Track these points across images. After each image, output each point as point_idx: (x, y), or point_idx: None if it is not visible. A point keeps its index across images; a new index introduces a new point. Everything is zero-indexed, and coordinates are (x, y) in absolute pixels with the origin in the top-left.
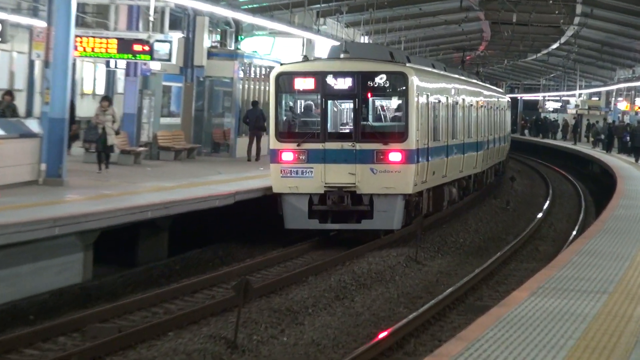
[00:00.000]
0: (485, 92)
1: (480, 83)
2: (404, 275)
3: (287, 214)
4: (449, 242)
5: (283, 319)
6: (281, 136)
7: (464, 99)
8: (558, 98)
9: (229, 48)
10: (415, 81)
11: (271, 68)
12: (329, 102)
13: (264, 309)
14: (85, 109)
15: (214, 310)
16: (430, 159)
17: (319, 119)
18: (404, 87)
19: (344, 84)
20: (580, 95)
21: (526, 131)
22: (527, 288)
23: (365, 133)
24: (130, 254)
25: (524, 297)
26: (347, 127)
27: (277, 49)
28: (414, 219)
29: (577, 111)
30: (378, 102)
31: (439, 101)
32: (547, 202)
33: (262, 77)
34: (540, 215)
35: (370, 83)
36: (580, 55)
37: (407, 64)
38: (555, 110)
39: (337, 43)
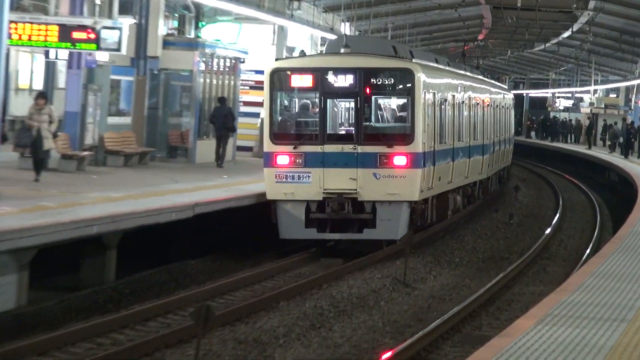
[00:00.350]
0: (492, 89)
1: (486, 79)
2: (390, 300)
3: (282, 223)
4: (442, 261)
5: (249, 352)
6: (276, 138)
7: (469, 97)
8: (570, 95)
9: (187, 36)
10: (422, 78)
11: (237, 59)
12: (329, 100)
13: (228, 340)
14: (21, 107)
15: (169, 341)
16: (436, 163)
17: (317, 119)
18: (410, 85)
19: (345, 81)
20: (595, 91)
21: (532, 133)
22: (534, 315)
23: (368, 135)
24: (72, 275)
25: (529, 326)
26: (347, 128)
27: (243, 37)
28: (420, 227)
29: (591, 110)
30: (382, 101)
31: (446, 100)
32: (557, 215)
33: (227, 69)
34: (548, 230)
35: (373, 80)
36: (596, 45)
37: (414, 60)
38: (566, 109)
39: (334, 37)
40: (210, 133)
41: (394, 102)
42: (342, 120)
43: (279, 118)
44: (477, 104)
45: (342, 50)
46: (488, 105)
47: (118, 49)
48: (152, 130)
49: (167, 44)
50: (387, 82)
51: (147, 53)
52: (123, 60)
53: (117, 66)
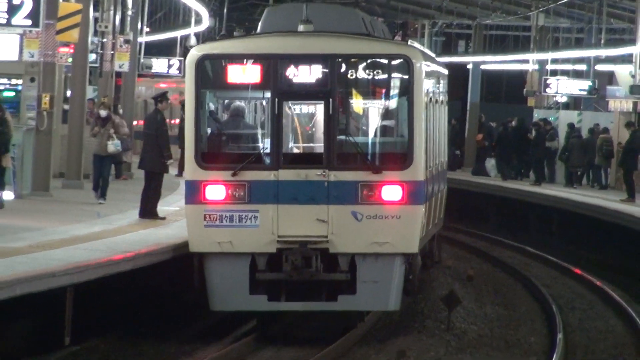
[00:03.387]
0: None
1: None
2: None
3: (215, 288)
4: None
5: None
6: (205, 160)
7: (433, 94)
8: (580, 65)
9: None
10: (423, 69)
11: None
12: (285, 104)
13: None
14: None
15: None
16: (431, 194)
17: (269, 132)
18: (407, 80)
19: (310, 74)
20: None
21: (491, 162)
22: None
23: (344, 155)
24: None
25: None
26: (313, 144)
27: None
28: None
29: (636, 104)
30: (365, 105)
31: (435, 101)
32: None
33: None
34: None
35: (352, 73)
36: None
37: (410, 43)
38: (570, 104)
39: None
40: None
41: (383, 106)
42: (306, 134)
43: (209, 130)
44: (435, 102)
45: (302, 28)
46: (435, 102)
47: None
48: None
49: None
50: (372, 76)
51: None
52: None
53: None
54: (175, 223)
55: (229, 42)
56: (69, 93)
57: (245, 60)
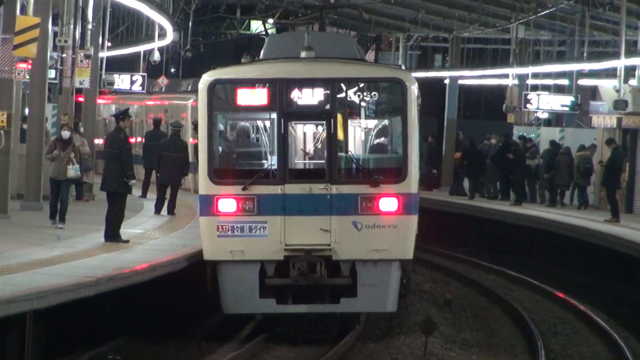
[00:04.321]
0: None
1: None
2: None
3: (227, 292)
4: None
5: None
6: (217, 175)
7: None
8: (562, 79)
9: None
10: (414, 92)
11: None
12: (291, 124)
13: None
14: None
15: None
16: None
17: (275, 150)
18: (401, 101)
19: (313, 97)
20: (633, 70)
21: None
22: None
23: (345, 170)
24: None
25: None
26: (317, 161)
27: None
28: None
29: (620, 120)
30: (362, 124)
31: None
32: None
33: None
34: None
35: (351, 95)
36: None
37: (402, 68)
38: (552, 121)
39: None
40: None
41: (379, 124)
42: (310, 151)
43: (221, 149)
44: None
45: (304, 54)
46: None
47: None
48: None
49: None
50: (369, 98)
51: None
52: None
53: None
54: (139, 247)
55: (238, 67)
56: (27, 111)
57: (253, 84)
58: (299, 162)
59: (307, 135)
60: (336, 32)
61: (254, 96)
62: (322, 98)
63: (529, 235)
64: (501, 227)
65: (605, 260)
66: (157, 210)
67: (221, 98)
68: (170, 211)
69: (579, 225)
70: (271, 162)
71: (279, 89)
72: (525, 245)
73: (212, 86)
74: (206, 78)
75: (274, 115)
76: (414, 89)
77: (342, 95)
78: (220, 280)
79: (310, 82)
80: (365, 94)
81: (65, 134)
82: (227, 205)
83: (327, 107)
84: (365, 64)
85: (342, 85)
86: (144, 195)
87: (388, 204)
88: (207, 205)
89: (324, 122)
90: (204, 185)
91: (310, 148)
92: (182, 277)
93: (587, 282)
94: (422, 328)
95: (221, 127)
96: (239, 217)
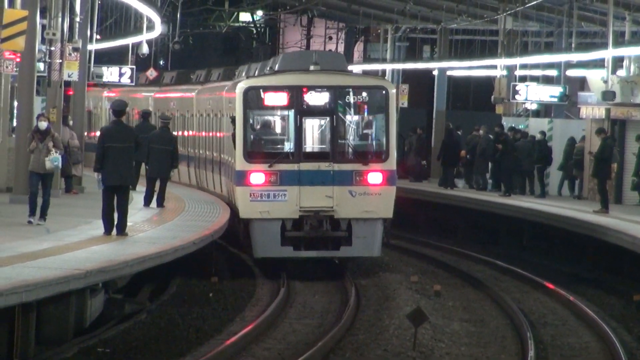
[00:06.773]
0: None
1: None
2: None
3: (257, 241)
4: None
5: None
6: (250, 156)
7: None
8: (551, 70)
9: None
10: (394, 95)
11: None
12: (304, 118)
13: None
14: None
15: None
16: None
17: (293, 138)
18: (384, 102)
19: (320, 99)
20: (620, 62)
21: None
22: None
23: (343, 152)
24: None
25: None
26: (323, 146)
27: None
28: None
29: (608, 111)
30: (356, 119)
31: None
32: None
33: None
34: None
35: (347, 98)
36: None
37: (386, 78)
38: (540, 112)
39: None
40: None
41: (369, 120)
42: (318, 138)
43: (252, 137)
44: None
45: (313, 67)
46: None
47: None
48: None
49: None
50: (361, 100)
51: None
52: None
53: None
54: (129, 239)
55: (265, 77)
56: (15, 104)
57: (276, 90)
58: (310, 147)
59: (315, 127)
60: (325, 24)
61: (277, 98)
62: (327, 100)
63: (519, 226)
64: (491, 218)
65: (595, 251)
66: (147, 202)
67: (252, 100)
68: (160, 204)
69: (568, 216)
70: (290, 146)
71: (296, 93)
72: (515, 236)
73: (247, 91)
74: (242, 85)
75: (292, 112)
76: (393, 93)
77: (341, 97)
78: (252, 233)
79: (319, 88)
80: (358, 97)
81: (42, 124)
82: (257, 178)
83: (330, 106)
84: (358, 75)
85: (341, 90)
86: (133, 188)
87: (375, 177)
88: (242, 178)
89: (328, 117)
90: (240, 163)
91: (318, 137)
92: (173, 268)
93: (577, 273)
94: (411, 319)
95: (260, 121)
96: (266, 186)
